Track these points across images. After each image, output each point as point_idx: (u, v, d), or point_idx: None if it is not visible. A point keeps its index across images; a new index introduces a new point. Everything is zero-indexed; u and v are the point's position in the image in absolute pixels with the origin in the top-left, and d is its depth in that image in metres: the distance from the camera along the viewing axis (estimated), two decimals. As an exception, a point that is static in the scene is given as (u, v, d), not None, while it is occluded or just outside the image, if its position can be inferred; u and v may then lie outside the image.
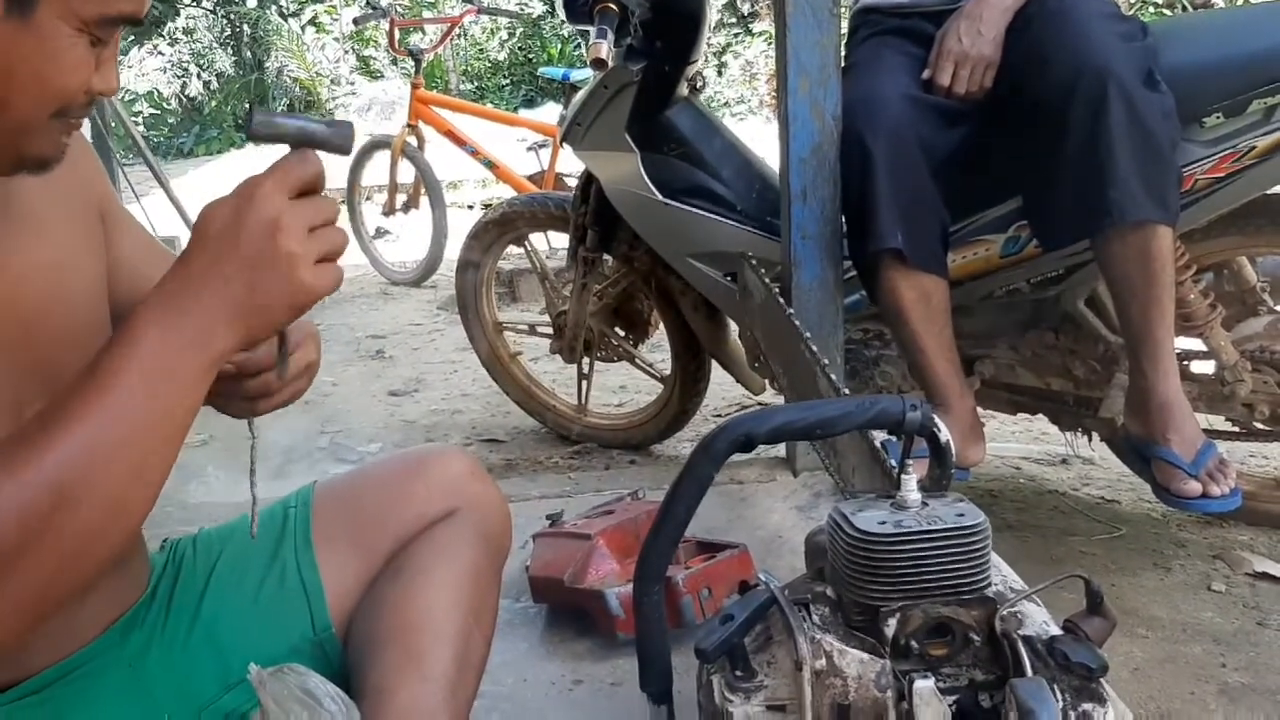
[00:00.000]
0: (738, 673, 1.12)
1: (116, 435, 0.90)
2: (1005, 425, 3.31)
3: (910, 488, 1.15)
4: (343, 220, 6.53)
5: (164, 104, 15.64)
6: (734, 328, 2.85)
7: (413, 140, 6.11)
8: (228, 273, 0.93)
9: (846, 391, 1.93)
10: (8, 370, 1.03)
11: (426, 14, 13.83)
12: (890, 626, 1.10)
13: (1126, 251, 2.04)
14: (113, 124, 5.85)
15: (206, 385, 0.96)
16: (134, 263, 1.23)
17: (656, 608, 1.22)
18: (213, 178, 10.77)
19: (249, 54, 15.44)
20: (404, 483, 1.36)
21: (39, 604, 0.90)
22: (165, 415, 0.93)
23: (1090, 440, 2.57)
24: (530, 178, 5.94)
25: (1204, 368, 2.38)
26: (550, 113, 9.36)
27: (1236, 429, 2.47)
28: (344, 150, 1.00)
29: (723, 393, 3.58)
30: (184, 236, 5.91)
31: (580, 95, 2.82)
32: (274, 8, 15.62)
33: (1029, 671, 1.05)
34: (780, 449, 2.54)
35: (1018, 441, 3.29)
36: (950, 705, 1.05)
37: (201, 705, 1.24)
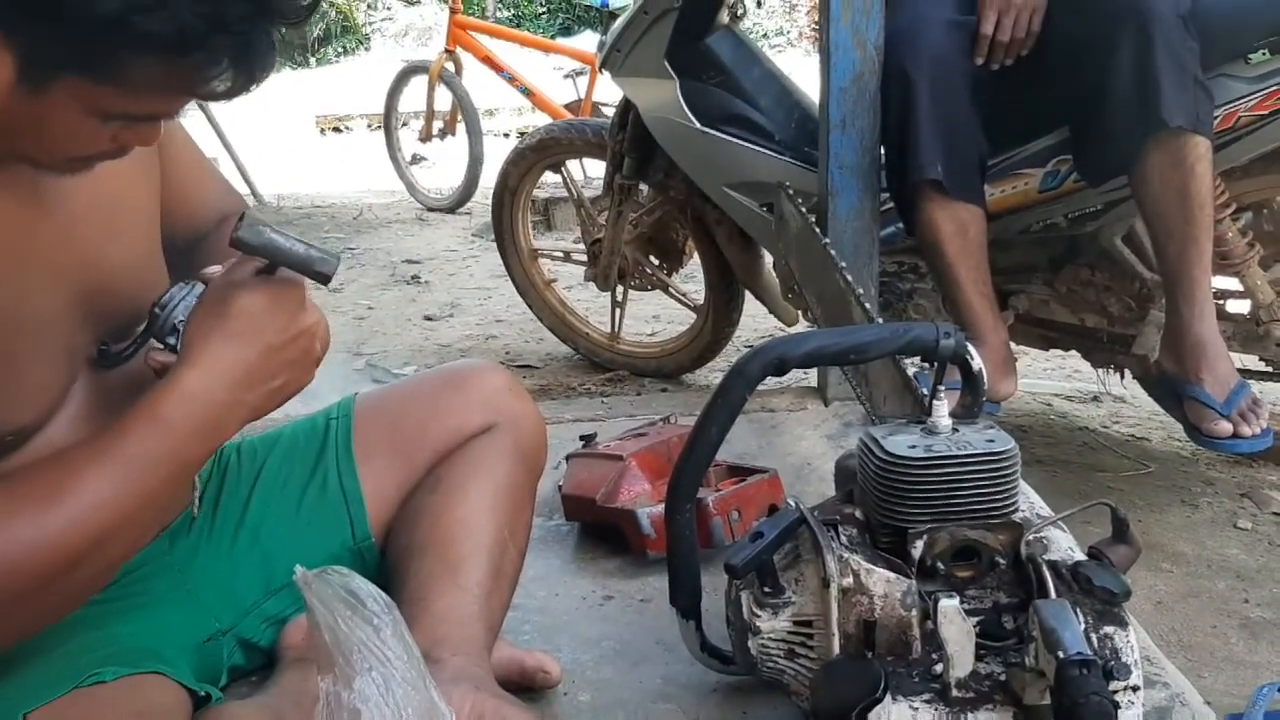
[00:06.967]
0: (766, 589, 1.15)
1: (129, 511, 0.99)
2: (1037, 362, 3.31)
3: (941, 413, 1.16)
4: (379, 146, 6.55)
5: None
6: (768, 258, 2.85)
7: (450, 66, 6.09)
8: (271, 371, 1.04)
9: (881, 321, 1.93)
10: (64, 303, 1.06)
11: (464, -62, 13.64)
12: (917, 548, 1.12)
13: (1164, 161, 2.01)
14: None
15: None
16: (182, 182, 1.24)
17: (687, 525, 1.24)
18: (249, 101, 10.76)
19: (285, -23, 15.26)
20: (444, 396, 1.39)
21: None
22: (171, 496, 1.06)
23: (1122, 378, 2.57)
24: (567, 106, 5.90)
25: (1239, 307, 2.37)
26: (588, 40, 9.28)
27: (1270, 369, 2.46)
28: (324, 281, 1.04)
29: (755, 324, 3.59)
30: (223, 159, 5.94)
31: (620, 21, 2.80)
32: (310, -70, 15.44)
33: (1053, 594, 1.06)
34: (812, 378, 2.55)
35: (1049, 378, 3.29)
36: (974, 626, 1.06)
37: (245, 609, 1.29)
